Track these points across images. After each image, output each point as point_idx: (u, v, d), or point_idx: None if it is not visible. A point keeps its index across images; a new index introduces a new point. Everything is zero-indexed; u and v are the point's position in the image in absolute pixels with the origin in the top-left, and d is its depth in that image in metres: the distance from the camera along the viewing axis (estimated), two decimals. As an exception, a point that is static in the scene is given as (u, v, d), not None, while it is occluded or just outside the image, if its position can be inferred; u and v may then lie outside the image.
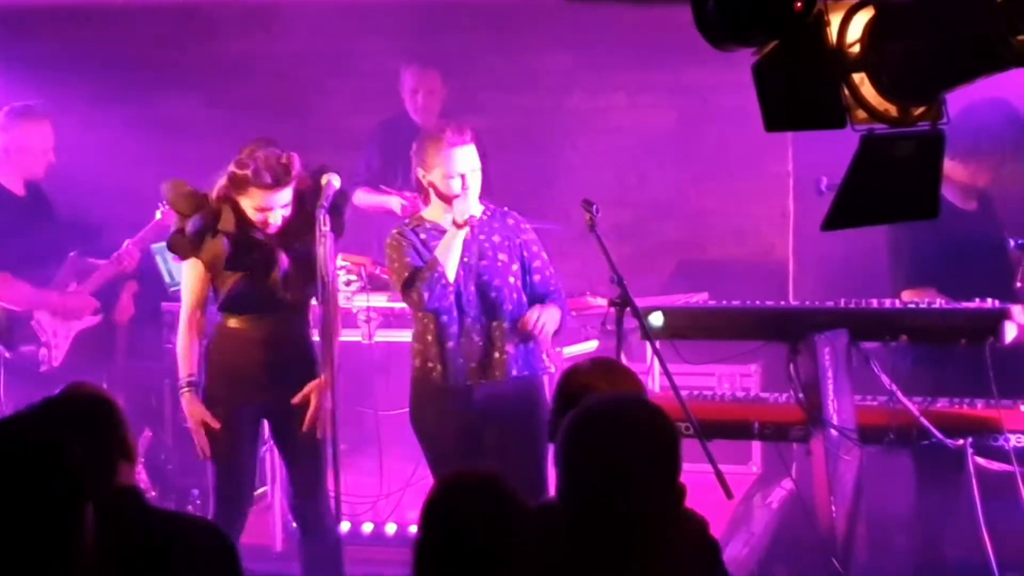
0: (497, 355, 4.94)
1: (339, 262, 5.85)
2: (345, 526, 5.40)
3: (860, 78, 2.77)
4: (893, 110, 2.80)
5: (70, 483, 2.45)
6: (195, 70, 7.90)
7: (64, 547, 2.42)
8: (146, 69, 7.86)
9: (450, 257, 4.86)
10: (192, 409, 4.91)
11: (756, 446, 6.60)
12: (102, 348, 6.12)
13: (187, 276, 5.00)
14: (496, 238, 5.00)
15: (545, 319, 4.94)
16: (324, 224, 4.87)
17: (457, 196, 4.90)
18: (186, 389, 4.92)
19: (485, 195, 5.11)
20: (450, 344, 4.94)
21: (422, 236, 4.99)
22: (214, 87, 7.84)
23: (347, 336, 5.91)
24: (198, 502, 6.08)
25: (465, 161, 4.93)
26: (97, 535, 2.49)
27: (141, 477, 6.01)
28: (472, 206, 4.89)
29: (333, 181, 5.01)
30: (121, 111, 7.60)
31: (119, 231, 6.53)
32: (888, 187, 2.87)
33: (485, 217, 5.01)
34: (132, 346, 6.47)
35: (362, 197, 6.77)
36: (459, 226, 4.86)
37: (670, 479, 2.87)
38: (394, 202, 6.62)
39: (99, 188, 6.72)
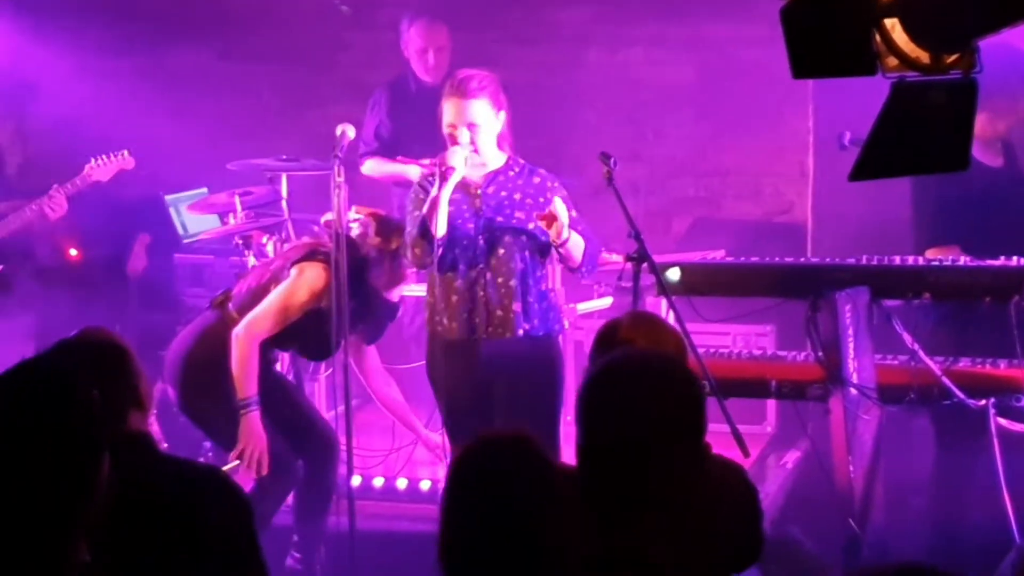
0: (501, 313, 4.85)
1: (352, 214, 5.81)
2: (356, 480, 5.37)
3: (892, 24, 2.69)
4: (925, 57, 2.72)
5: (90, 425, 2.42)
6: (208, 21, 7.81)
7: (81, 490, 2.39)
8: (158, 19, 7.78)
9: (436, 212, 4.73)
10: (258, 431, 4.92)
11: (771, 406, 6.55)
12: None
13: (299, 300, 4.97)
14: (517, 195, 4.90)
15: (563, 215, 4.70)
16: (339, 175, 4.83)
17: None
18: (253, 409, 4.91)
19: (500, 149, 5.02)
20: (454, 298, 4.88)
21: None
22: (228, 39, 7.77)
23: (360, 289, 5.86)
24: (210, 455, 6.04)
25: (460, 114, 4.81)
26: (109, 480, 2.46)
27: (153, 429, 5.98)
28: (455, 160, 4.76)
29: (348, 132, 4.98)
30: (132, 61, 7.54)
31: (127, 185, 6.47)
32: (918, 137, 2.80)
33: (512, 173, 4.93)
34: (144, 298, 6.43)
35: (375, 167, 6.60)
36: (442, 178, 4.75)
37: (694, 439, 2.80)
38: (412, 171, 6.19)
39: (108, 138, 6.65)
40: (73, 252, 6.69)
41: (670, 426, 2.73)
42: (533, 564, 2.62)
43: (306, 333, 5.02)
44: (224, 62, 7.89)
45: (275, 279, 5.02)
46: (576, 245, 4.81)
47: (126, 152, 6.03)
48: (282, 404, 5.11)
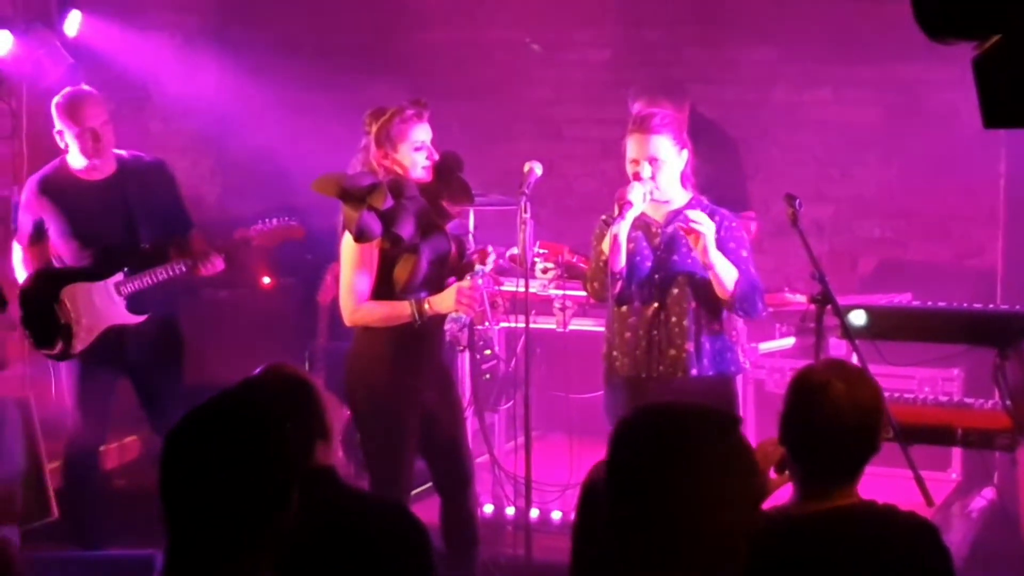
0: (674, 352, 4.86)
1: (536, 249, 5.89)
2: (534, 513, 5.43)
3: (1090, 75, 2.66)
4: (1124, 109, 2.68)
5: (283, 458, 2.51)
6: (402, 57, 8.01)
7: (272, 520, 2.47)
8: (355, 55, 8.01)
9: (615, 247, 4.77)
10: (448, 295, 4.86)
11: (956, 452, 6.41)
12: (117, 351, 5.81)
13: (362, 251, 4.89)
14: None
15: (704, 225, 4.69)
16: (525, 211, 4.91)
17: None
18: (423, 306, 4.85)
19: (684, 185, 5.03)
20: (627, 334, 4.92)
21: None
22: (420, 74, 7.94)
23: (541, 323, 5.94)
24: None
25: (642, 149, 4.84)
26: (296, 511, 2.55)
27: (338, 455, 6.12)
28: (633, 195, 4.76)
29: (536, 169, 5.04)
30: (330, 96, 7.76)
31: (317, 215, 6.65)
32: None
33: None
34: (334, 327, 6.59)
35: None
36: (620, 213, 4.76)
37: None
38: None
39: (306, 171, 6.87)
40: (266, 280, 6.92)
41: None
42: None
43: (403, 265, 4.88)
44: (416, 97, 8.05)
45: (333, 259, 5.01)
46: (726, 271, 4.75)
47: (294, 222, 5.97)
48: (435, 430, 5.05)
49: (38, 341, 5.79)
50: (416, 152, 4.93)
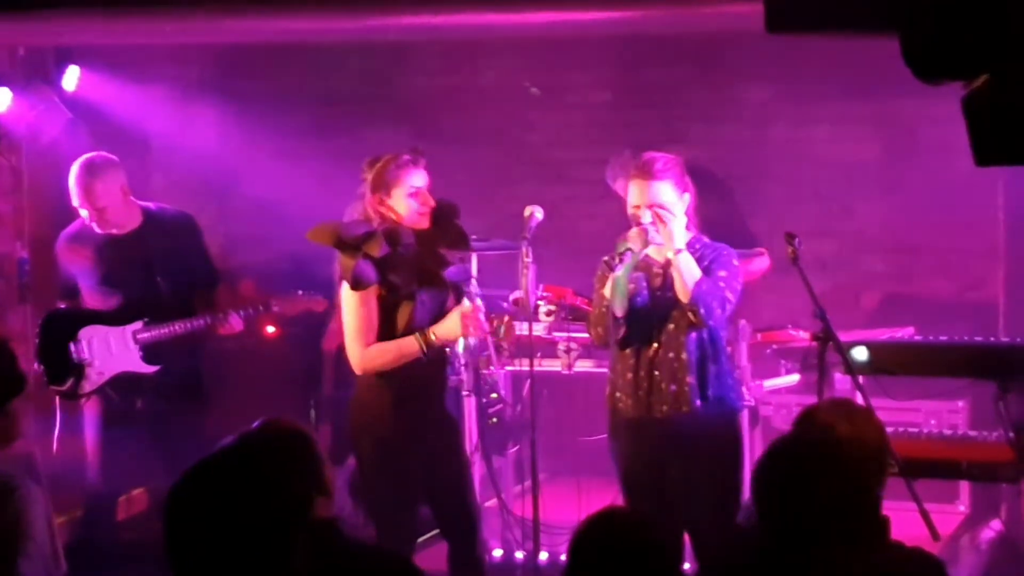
0: (675, 387, 4.86)
1: (540, 292, 5.92)
2: (543, 556, 5.43)
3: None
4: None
5: (286, 512, 2.53)
6: (403, 104, 8.06)
7: (276, 575, 2.50)
8: (354, 103, 8.05)
9: (616, 292, 4.80)
10: (453, 320, 4.89)
11: (964, 485, 6.41)
12: (137, 401, 5.91)
13: (363, 300, 4.93)
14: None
15: (673, 214, 4.81)
16: (527, 255, 4.94)
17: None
18: (429, 336, 4.88)
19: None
20: (629, 375, 4.93)
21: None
22: (421, 120, 7.99)
23: (547, 366, 5.97)
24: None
25: (643, 195, 4.87)
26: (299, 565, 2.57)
27: (345, 503, 6.12)
28: (636, 243, 4.79)
29: (536, 213, 5.08)
30: (331, 144, 7.80)
31: (319, 263, 6.69)
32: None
33: (692, 252, 4.96)
34: (339, 375, 6.61)
35: None
36: (621, 258, 4.79)
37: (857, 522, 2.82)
38: None
39: (309, 219, 6.92)
40: (271, 329, 6.93)
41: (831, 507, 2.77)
42: None
43: (402, 311, 4.92)
44: (417, 143, 8.09)
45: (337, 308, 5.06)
46: (688, 265, 4.77)
47: (318, 296, 6.05)
48: (440, 476, 5.05)
49: (51, 377, 5.86)
50: (410, 198, 4.95)
